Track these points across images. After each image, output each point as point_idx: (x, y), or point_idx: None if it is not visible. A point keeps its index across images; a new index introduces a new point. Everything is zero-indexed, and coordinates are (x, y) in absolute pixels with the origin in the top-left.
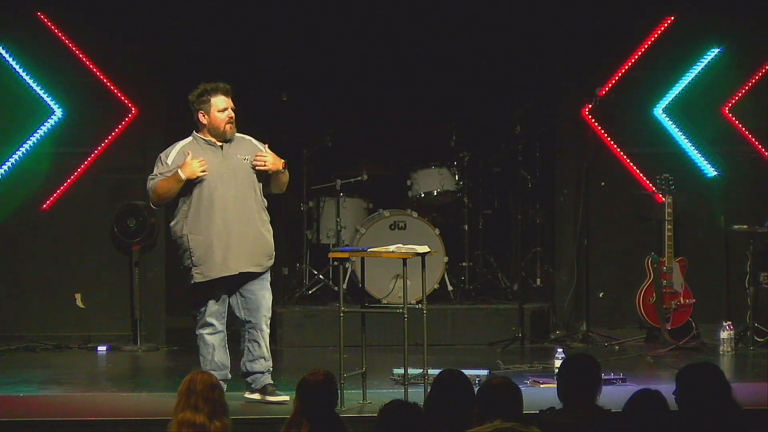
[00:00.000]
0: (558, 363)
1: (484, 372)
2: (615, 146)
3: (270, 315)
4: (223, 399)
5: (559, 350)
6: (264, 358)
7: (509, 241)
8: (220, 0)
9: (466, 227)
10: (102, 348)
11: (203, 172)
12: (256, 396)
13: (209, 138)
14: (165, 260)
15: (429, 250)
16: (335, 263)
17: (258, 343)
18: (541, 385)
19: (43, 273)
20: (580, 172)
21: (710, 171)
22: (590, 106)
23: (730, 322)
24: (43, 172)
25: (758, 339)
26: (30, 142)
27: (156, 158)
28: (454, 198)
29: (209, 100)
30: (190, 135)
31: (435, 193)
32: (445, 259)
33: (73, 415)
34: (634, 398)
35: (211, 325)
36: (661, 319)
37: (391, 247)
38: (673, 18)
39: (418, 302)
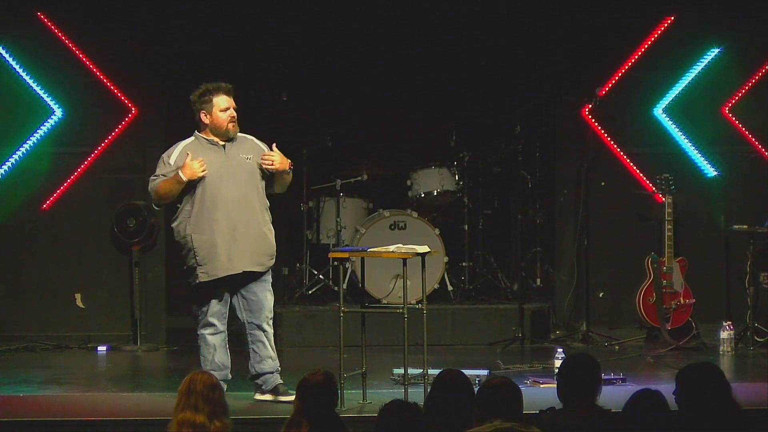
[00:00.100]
0: (558, 363)
1: (484, 372)
2: (615, 146)
3: (272, 316)
4: (224, 399)
5: (559, 350)
6: (271, 357)
7: (509, 241)
8: (220, 0)
9: (466, 227)
10: (102, 348)
11: (203, 172)
12: (268, 397)
13: (211, 137)
14: (165, 260)
15: (429, 250)
16: (335, 263)
17: (263, 343)
18: (541, 385)
19: (43, 273)
20: (580, 172)
21: (710, 171)
22: (590, 106)
23: (730, 322)
24: (43, 172)
25: (758, 339)
26: (30, 142)
27: (157, 158)
28: (454, 198)
29: (211, 100)
30: (191, 135)
31: (435, 193)
32: (445, 259)
33: (73, 415)
34: (634, 398)
35: (213, 325)
36: (661, 319)
37: (391, 247)
38: (673, 18)
39: (418, 302)
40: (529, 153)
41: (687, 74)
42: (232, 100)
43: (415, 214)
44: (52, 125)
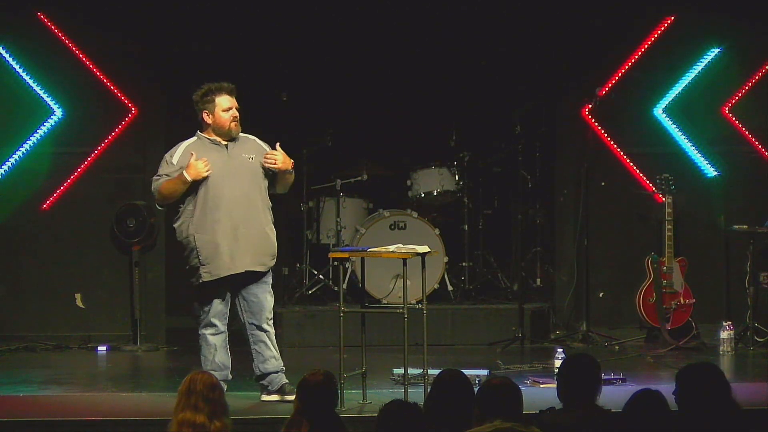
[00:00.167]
0: (558, 363)
1: (484, 372)
2: (615, 146)
3: (271, 317)
4: (223, 399)
5: (559, 350)
6: (274, 357)
7: (509, 241)
8: (220, 0)
9: (466, 227)
10: (102, 348)
11: (208, 172)
12: (275, 397)
13: (214, 137)
14: (165, 260)
15: (429, 250)
16: (335, 263)
17: (265, 343)
18: (541, 385)
19: (43, 273)
20: (580, 172)
21: (710, 171)
22: (590, 106)
23: (730, 322)
24: (43, 172)
25: (758, 339)
26: (30, 142)
27: (157, 158)
28: (454, 198)
29: (213, 100)
30: (192, 135)
31: (435, 193)
32: (445, 259)
33: (73, 415)
34: (634, 398)
35: (214, 325)
36: (661, 319)
37: (391, 247)
38: (673, 18)
39: (418, 302)
40: (529, 153)
41: (687, 74)
42: (234, 99)
43: (415, 214)
44: (52, 125)
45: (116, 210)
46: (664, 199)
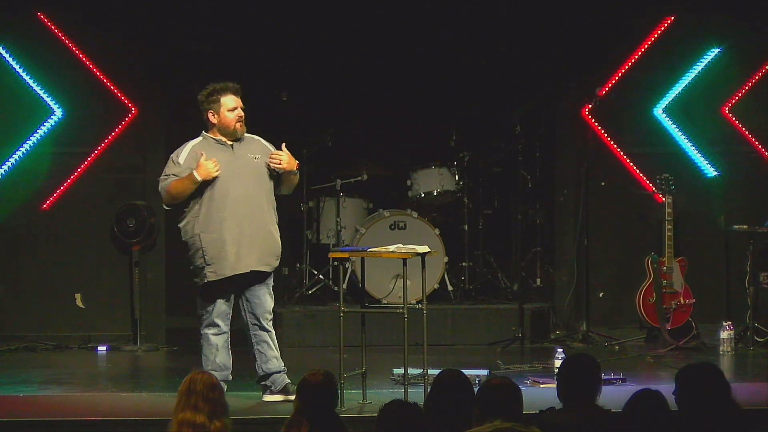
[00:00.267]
0: (558, 363)
1: (484, 372)
2: (615, 146)
3: (271, 317)
4: (223, 399)
5: (559, 350)
6: (276, 357)
7: (509, 241)
8: (220, 0)
9: (466, 227)
10: (102, 348)
11: (217, 172)
12: (278, 397)
13: (219, 137)
14: (165, 260)
15: (429, 250)
16: (335, 263)
17: (267, 343)
18: (541, 385)
19: (43, 273)
20: (580, 172)
21: (710, 171)
22: (590, 106)
23: (730, 322)
24: (43, 172)
25: (758, 339)
26: (30, 142)
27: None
28: (454, 198)
29: (219, 100)
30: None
31: (435, 193)
32: (445, 259)
33: (73, 415)
34: (634, 398)
35: (217, 325)
36: (661, 319)
37: (391, 247)
38: (673, 18)
39: (418, 302)
40: (529, 153)
41: (687, 74)
42: (239, 99)
43: (415, 214)
44: (52, 125)
45: (116, 210)
46: (664, 199)
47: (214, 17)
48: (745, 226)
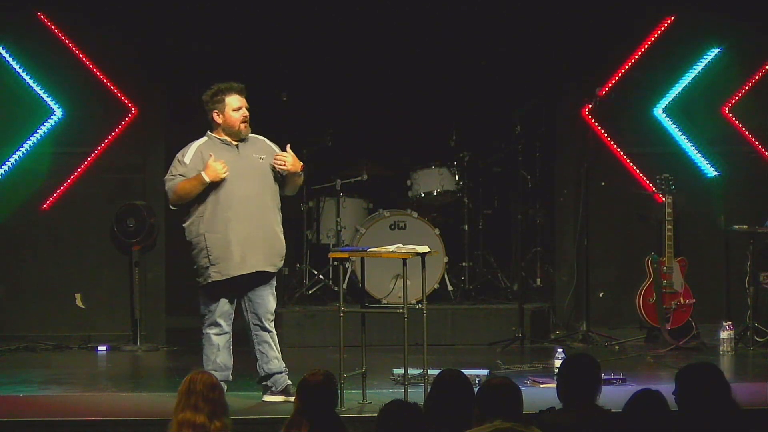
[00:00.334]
0: (558, 363)
1: (484, 372)
2: (615, 146)
3: (273, 318)
4: (224, 399)
5: (559, 350)
6: (277, 358)
7: (509, 241)
8: (220, 0)
9: (466, 227)
10: (102, 348)
11: (226, 174)
12: (278, 398)
13: (224, 137)
14: (165, 260)
15: (429, 250)
16: (335, 263)
17: (269, 343)
18: (541, 385)
19: (43, 273)
20: (580, 172)
21: (710, 171)
22: (590, 106)
23: (730, 322)
24: (43, 172)
25: (758, 339)
26: (30, 142)
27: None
28: (454, 198)
29: (223, 100)
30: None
31: (435, 193)
32: (445, 259)
33: (73, 415)
34: (634, 398)
35: (219, 325)
36: (661, 319)
37: (391, 247)
38: (673, 18)
39: (418, 302)
40: (529, 153)
41: (687, 74)
42: (244, 99)
43: (415, 214)
44: (52, 125)
45: (116, 210)
46: (664, 199)
47: (214, 17)
48: (745, 226)
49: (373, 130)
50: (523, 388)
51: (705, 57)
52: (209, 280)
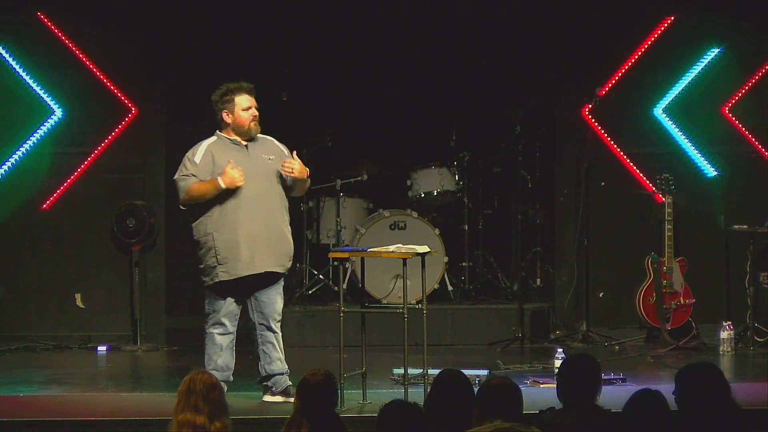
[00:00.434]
0: (558, 363)
1: (484, 372)
2: (615, 146)
3: (280, 318)
4: (224, 399)
5: (559, 350)
6: (280, 359)
7: (509, 241)
8: (220, 0)
9: (466, 227)
10: (102, 348)
11: (242, 182)
12: (278, 398)
13: (234, 137)
14: (165, 260)
15: (429, 250)
16: (335, 263)
17: (273, 344)
18: (541, 385)
19: (43, 273)
20: (580, 172)
21: (710, 171)
22: (590, 106)
23: (730, 322)
24: (43, 172)
25: (758, 339)
26: (30, 142)
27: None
28: (454, 198)
29: (233, 99)
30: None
31: (435, 193)
32: (445, 259)
33: (73, 415)
34: (634, 398)
35: (223, 325)
36: (661, 319)
37: (391, 247)
38: (673, 18)
39: (418, 302)
40: (529, 153)
41: (687, 74)
42: (253, 99)
43: (415, 214)
44: (52, 125)
45: (116, 210)
46: (664, 199)
47: (214, 17)
48: (745, 226)
49: (373, 130)
50: (523, 388)
51: (705, 57)
52: (216, 280)
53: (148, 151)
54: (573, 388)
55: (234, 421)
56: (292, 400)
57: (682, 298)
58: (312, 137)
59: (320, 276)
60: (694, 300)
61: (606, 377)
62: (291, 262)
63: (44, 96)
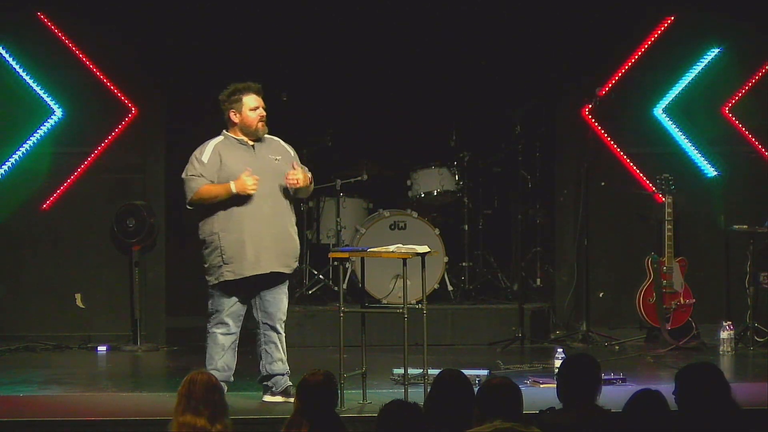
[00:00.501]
0: (558, 363)
1: (484, 372)
2: (615, 146)
3: (285, 318)
4: (224, 399)
5: (559, 350)
6: (281, 360)
7: (509, 241)
8: (220, 0)
9: (466, 227)
10: (102, 348)
11: (254, 191)
12: (278, 399)
13: (241, 137)
14: (165, 260)
15: (429, 250)
16: (335, 263)
17: (275, 344)
18: (541, 385)
19: (43, 273)
20: (580, 172)
21: (710, 171)
22: (590, 106)
23: (730, 322)
24: (43, 172)
25: (758, 339)
26: (30, 142)
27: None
28: (454, 198)
29: (241, 99)
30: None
31: (435, 193)
32: (445, 259)
33: (73, 415)
34: (634, 398)
35: (227, 325)
36: (661, 319)
37: (391, 247)
38: (673, 18)
39: (418, 302)
40: (529, 153)
41: (687, 74)
42: (261, 99)
43: (415, 214)
44: (52, 125)
45: (116, 210)
46: (664, 199)
47: (214, 17)
48: (745, 226)
49: (373, 130)
50: (523, 388)
51: (705, 57)
52: (221, 279)
53: (148, 151)
54: (573, 388)
55: (234, 421)
56: (292, 400)
57: (682, 298)
58: (312, 137)
59: (320, 276)
60: (694, 300)
61: (606, 377)
62: (297, 263)
63: (44, 96)
